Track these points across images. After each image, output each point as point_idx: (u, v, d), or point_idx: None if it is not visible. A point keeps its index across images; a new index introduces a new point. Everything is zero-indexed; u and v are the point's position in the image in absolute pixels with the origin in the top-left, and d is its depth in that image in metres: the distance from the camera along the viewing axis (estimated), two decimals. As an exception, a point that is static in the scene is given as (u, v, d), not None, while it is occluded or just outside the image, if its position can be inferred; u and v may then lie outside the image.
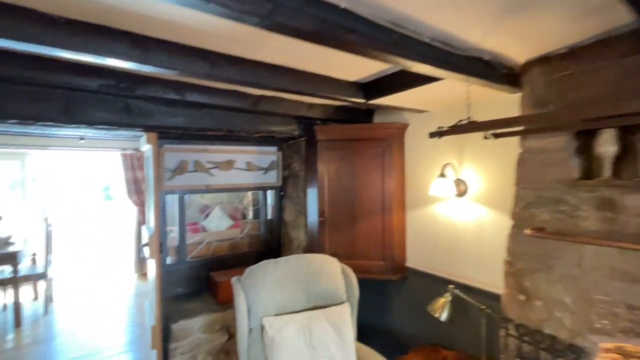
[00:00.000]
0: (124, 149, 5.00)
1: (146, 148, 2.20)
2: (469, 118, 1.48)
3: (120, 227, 6.33)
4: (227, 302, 2.47)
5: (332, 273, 2.11)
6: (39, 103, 1.73)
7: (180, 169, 2.61)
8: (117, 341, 3.17)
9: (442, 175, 2.03)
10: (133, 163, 5.07)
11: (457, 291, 1.91)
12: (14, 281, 3.52)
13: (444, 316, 1.86)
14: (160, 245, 2.09)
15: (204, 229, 3.30)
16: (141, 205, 5.20)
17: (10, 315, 3.56)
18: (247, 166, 2.98)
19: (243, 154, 2.95)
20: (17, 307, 3.51)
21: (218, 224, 4.59)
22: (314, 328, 1.88)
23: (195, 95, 1.98)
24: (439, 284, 2.21)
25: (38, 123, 1.76)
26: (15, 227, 5.00)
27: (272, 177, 3.13)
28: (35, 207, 4.95)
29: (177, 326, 2.20)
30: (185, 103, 2.13)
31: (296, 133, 2.68)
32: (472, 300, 1.86)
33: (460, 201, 2.11)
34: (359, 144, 2.54)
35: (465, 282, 2.03)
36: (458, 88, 1.69)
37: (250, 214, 3.41)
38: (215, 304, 2.49)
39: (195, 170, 2.69)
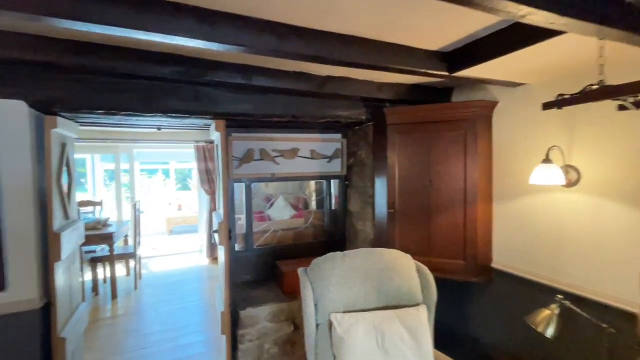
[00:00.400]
0: (197, 142, 5.35)
1: (215, 136, 2.22)
2: (601, 82, 1.12)
3: (196, 214, 6.83)
4: (292, 293, 2.42)
5: (406, 271, 1.90)
6: (120, 94, 1.82)
7: (247, 157, 2.62)
8: (192, 320, 3.39)
9: (547, 160, 1.65)
10: (205, 154, 5.40)
11: (567, 303, 1.55)
12: (110, 258, 4.00)
13: (549, 332, 1.52)
14: (229, 232, 2.10)
15: (269, 218, 3.32)
16: (212, 194, 5.53)
17: (108, 288, 4.07)
18: (311, 154, 2.88)
19: (307, 142, 2.86)
20: (113, 281, 4.00)
21: (281, 213, 4.63)
22: (386, 330, 1.70)
23: (262, 79, 1.91)
24: (535, 290, 1.85)
25: (121, 113, 1.86)
26: (111, 211, 5.75)
27: (336, 166, 2.99)
28: (126, 194, 5.59)
29: (245, 313, 2.21)
30: (252, 89, 2.08)
31: (363, 117, 2.49)
32: (589, 317, 1.49)
33: (569, 192, 1.71)
34: (436, 127, 2.25)
35: (575, 292, 1.65)
36: (580, 45, 1.32)
37: (314, 204, 3.32)
38: (281, 293, 2.46)
39: (261, 159, 2.68)
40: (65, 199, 1.96)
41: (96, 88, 1.77)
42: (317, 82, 2.06)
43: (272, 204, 3.43)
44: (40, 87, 1.67)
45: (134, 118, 2.02)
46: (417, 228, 2.32)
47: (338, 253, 1.91)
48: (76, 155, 7.50)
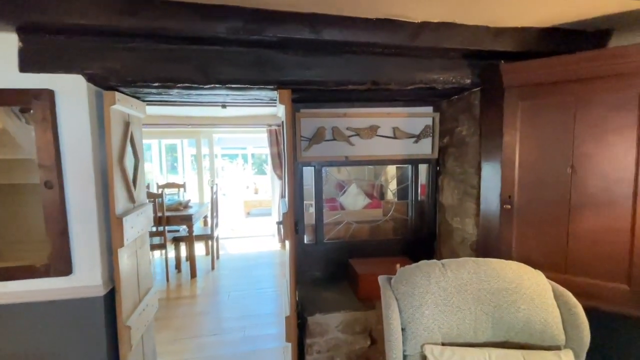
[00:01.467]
0: (270, 125, 5.26)
1: (280, 111, 1.88)
2: None
3: (271, 198, 6.89)
4: (368, 299, 2.01)
5: (539, 295, 1.31)
6: (175, 63, 1.58)
7: (317, 137, 2.25)
8: (262, 310, 3.27)
9: None
10: (277, 138, 5.29)
11: None
12: (190, 239, 4.15)
13: None
14: (296, 224, 1.76)
15: (341, 207, 2.94)
16: (283, 178, 5.43)
17: (187, 267, 4.26)
18: (394, 133, 2.36)
19: (389, 118, 2.35)
20: (192, 260, 4.15)
21: (354, 202, 4.21)
22: (510, 382, 1.17)
23: (335, 32, 1.48)
24: None
25: (177, 85, 1.64)
26: (193, 194, 6.11)
27: (426, 147, 2.42)
28: (205, 178, 5.84)
29: (314, 320, 1.88)
30: (322, 49, 1.66)
31: (467, 81, 1.87)
32: None
33: None
34: (587, 87, 1.53)
35: None
36: None
37: (394, 194, 2.81)
38: (355, 299, 2.07)
39: (334, 139, 2.28)
40: (130, 181, 1.85)
41: (150, 58, 1.57)
42: (409, 32, 1.54)
43: (344, 192, 3.04)
44: (95, 59, 1.53)
45: (194, 92, 1.79)
46: (547, 232, 1.65)
47: (435, 262, 1.41)
48: (167, 141, 8.15)
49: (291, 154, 1.75)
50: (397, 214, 2.62)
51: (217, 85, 1.67)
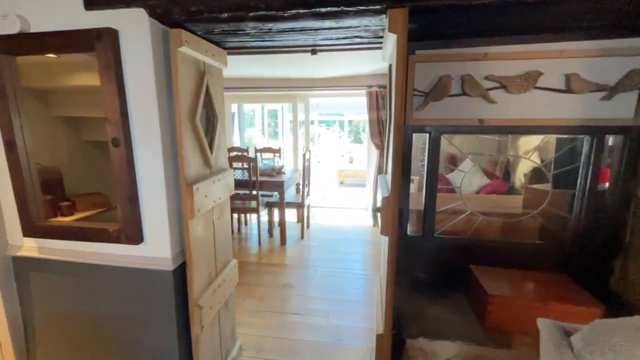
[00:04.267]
0: (370, 87, 4.63)
1: (389, 46, 1.27)
2: None
3: (366, 169, 6.43)
4: (500, 331, 1.37)
5: None
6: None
7: (437, 90, 1.58)
8: (349, 295, 2.92)
9: None
10: (378, 102, 4.65)
11: None
12: (281, 206, 4.04)
13: None
14: (400, 215, 1.22)
15: (448, 187, 2.25)
16: (383, 148, 4.83)
17: (278, 234, 4.21)
18: (568, 83, 1.50)
19: (560, 60, 1.48)
20: (282, 228, 4.07)
21: (469, 181, 3.37)
22: None
23: None
24: None
25: (250, 15, 1.22)
26: (288, 160, 6.07)
27: (623, 107, 1.48)
28: (300, 144, 5.67)
29: (415, 344, 1.37)
30: None
31: None
32: None
33: None
34: None
35: None
36: None
37: (524, 179, 1.94)
38: (478, 326, 1.45)
39: (463, 93, 1.57)
40: (205, 143, 1.58)
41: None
42: None
43: (453, 168, 2.33)
44: (155, -15, 1.22)
45: (273, 26, 1.35)
46: None
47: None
48: (269, 106, 8.34)
49: (401, 112, 1.17)
50: (551, 206, 1.78)
51: (300, 11, 1.18)
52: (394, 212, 1.22)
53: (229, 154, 4.76)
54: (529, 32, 1.47)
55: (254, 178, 3.85)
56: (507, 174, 3.75)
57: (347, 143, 9.35)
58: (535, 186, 1.97)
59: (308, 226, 4.75)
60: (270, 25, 1.32)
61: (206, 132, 1.69)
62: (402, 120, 1.18)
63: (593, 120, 1.50)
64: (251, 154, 5.40)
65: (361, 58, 3.30)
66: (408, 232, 1.81)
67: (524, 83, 1.49)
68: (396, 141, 1.20)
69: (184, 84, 1.40)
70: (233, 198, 4.02)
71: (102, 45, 1.28)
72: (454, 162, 4.11)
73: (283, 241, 4.10)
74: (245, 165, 3.85)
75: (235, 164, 3.94)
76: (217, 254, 1.81)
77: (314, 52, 1.73)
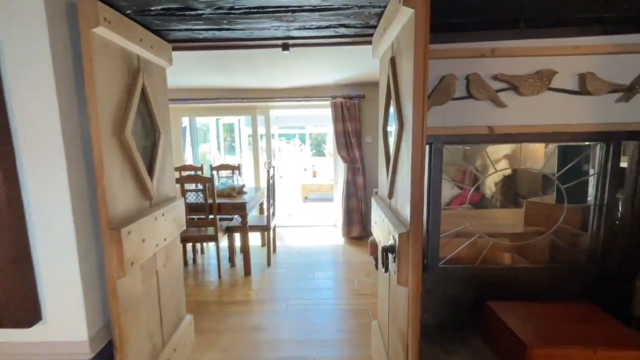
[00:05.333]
0: (334, 97, 4.41)
1: (394, 29, 0.95)
2: None
3: (331, 182, 6.17)
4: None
5: None
6: None
7: (439, 92, 1.31)
8: (328, 329, 2.52)
9: None
10: (343, 113, 4.43)
11: None
12: (243, 230, 3.55)
13: None
14: (424, 257, 0.89)
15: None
16: (351, 161, 4.61)
17: (241, 262, 3.70)
18: (582, 83, 1.31)
19: (573, 57, 1.30)
20: (245, 255, 3.57)
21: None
22: None
23: None
24: None
25: (181, 12, 0.84)
26: (249, 177, 5.58)
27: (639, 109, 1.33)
28: (261, 160, 5.24)
29: None
30: None
31: None
32: None
33: None
34: None
35: None
36: None
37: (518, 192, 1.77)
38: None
39: (468, 96, 1.32)
40: (140, 166, 1.13)
41: None
42: None
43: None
44: None
45: (236, 6, 0.97)
46: None
47: None
48: (225, 119, 7.74)
49: (420, 120, 0.85)
50: (566, 223, 1.57)
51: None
52: (417, 254, 0.88)
53: (180, 174, 4.18)
54: (545, 25, 1.26)
55: (210, 200, 3.34)
56: (475, 179, 3.67)
57: (309, 157, 9.06)
58: (535, 199, 1.79)
59: (274, 250, 4.29)
60: (237, 1, 0.94)
61: (144, 151, 1.24)
62: (423, 131, 0.86)
63: (609, 124, 1.33)
64: (206, 173, 4.83)
65: (325, 65, 3.03)
66: (409, 264, 1.50)
67: (536, 83, 1.29)
68: (415, 159, 0.87)
69: (105, 84, 0.96)
70: (187, 224, 3.46)
71: (-44, 18, 0.80)
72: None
73: (247, 271, 3.59)
74: (200, 187, 3.34)
75: (187, 186, 3.40)
76: (163, 315, 1.33)
77: (285, 47, 1.38)
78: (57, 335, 0.96)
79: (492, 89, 1.30)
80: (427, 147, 1.41)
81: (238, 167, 4.54)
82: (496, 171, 1.71)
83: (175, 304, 1.43)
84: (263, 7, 1.01)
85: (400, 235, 0.88)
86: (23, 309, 0.92)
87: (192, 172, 4.41)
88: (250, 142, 7.69)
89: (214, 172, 4.54)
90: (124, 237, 0.99)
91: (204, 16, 1.06)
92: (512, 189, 2.52)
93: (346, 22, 1.16)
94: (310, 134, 9.42)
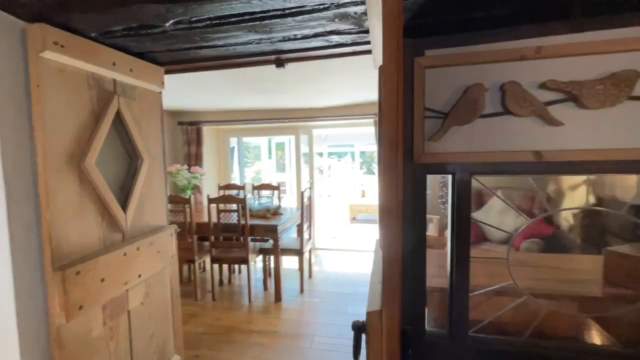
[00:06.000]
0: (376, 115, 4.15)
1: (377, 30, 0.71)
2: None
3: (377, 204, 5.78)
4: None
5: None
6: None
7: (462, 108, 1.00)
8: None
9: None
10: (387, 130, 4.12)
11: None
12: (275, 253, 3.42)
13: None
14: (405, 336, 0.60)
15: (483, 236, 1.63)
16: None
17: (273, 287, 3.55)
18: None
19: (668, 51, 0.89)
20: (276, 280, 3.41)
21: (498, 223, 2.68)
22: None
23: None
24: None
25: (144, 31, 0.72)
26: (292, 197, 5.52)
27: None
28: (304, 179, 5.14)
29: None
30: None
31: None
32: None
33: None
34: None
35: None
36: None
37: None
38: None
39: (504, 112, 0.98)
40: (108, 197, 1.05)
41: None
42: None
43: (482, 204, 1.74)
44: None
45: (189, 11, 0.84)
46: None
47: None
48: (277, 138, 7.92)
49: (394, 145, 0.59)
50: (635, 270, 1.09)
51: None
52: (392, 345, 0.60)
53: (223, 193, 4.27)
54: (611, 10, 0.90)
55: (242, 222, 3.30)
56: (547, 212, 3.02)
57: (359, 175, 8.78)
58: (620, 249, 1.30)
59: (310, 276, 4.07)
60: (187, 12, 0.81)
61: (119, 181, 1.16)
62: (397, 155, 0.59)
63: None
64: (248, 192, 4.90)
65: (362, 82, 2.82)
66: (427, 327, 1.16)
67: (609, 91, 0.90)
68: (388, 195, 0.60)
69: (60, 110, 0.90)
70: (217, 246, 3.46)
71: None
72: (478, 198, 3.42)
73: (278, 297, 3.43)
74: (234, 207, 3.32)
75: (222, 206, 3.42)
76: (136, 359, 1.20)
77: (279, 63, 1.23)
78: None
79: (538, 101, 0.95)
80: (450, 178, 1.09)
81: (278, 188, 4.49)
82: (559, 209, 1.29)
83: (157, 345, 1.31)
84: (225, 17, 0.86)
85: (368, 314, 0.61)
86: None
87: (235, 192, 4.50)
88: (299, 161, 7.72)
89: (256, 192, 4.57)
90: (69, 277, 0.89)
91: (168, 33, 0.95)
92: (590, 227, 2.00)
93: (334, 27, 0.95)
94: (361, 152, 9.17)
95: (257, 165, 9.30)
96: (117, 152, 1.15)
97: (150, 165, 1.26)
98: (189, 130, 4.85)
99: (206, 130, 4.98)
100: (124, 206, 1.14)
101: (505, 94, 0.97)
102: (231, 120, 4.83)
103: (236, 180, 5.61)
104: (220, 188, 4.56)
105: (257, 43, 1.07)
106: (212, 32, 0.95)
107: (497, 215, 2.61)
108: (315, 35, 1.01)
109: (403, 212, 1.10)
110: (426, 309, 1.35)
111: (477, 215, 3.12)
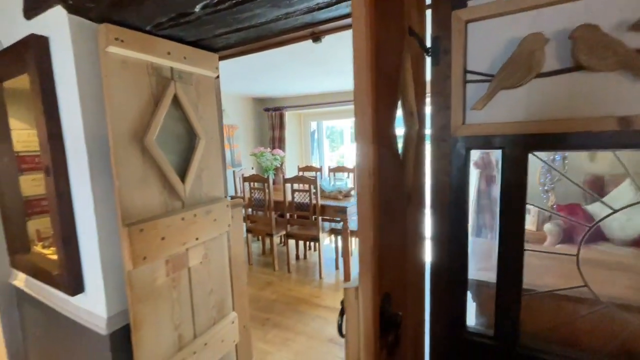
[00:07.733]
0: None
1: None
2: None
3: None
4: None
5: None
6: None
7: (514, 66, 0.81)
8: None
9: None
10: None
11: None
12: (344, 234, 3.47)
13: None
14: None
15: (602, 235, 1.33)
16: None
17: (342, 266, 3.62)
18: None
19: None
20: (345, 261, 3.47)
21: (622, 223, 2.12)
22: None
23: None
24: None
25: (184, 20, 0.80)
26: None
27: None
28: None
29: None
30: None
31: None
32: None
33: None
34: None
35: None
36: None
37: None
38: None
39: (573, 68, 0.76)
40: (167, 169, 1.23)
41: None
42: None
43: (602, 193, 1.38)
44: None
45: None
46: None
47: None
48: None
49: (367, 113, 0.52)
50: None
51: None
52: (367, 326, 0.55)
53: (302, 174, 4.50)
54: None
55: (314, 202, 3.43)
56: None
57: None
58: None
59: (383, 259, 4.00)
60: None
61: (179, 156, 1.35)
62: (370, 128, 0.53)
63: None
64: (324, 174, 5.03)
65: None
66: (468, 327, 1.02)
67: None
68: (361, 169, 0.54)
69: (125, 95, 1.09)
70: (292, 223, 3.71)
71: (30, 56, 1.08)
72: (597, 186, 2.74)
73: (347, 277, 3.50)
74: (306, 187, 3.48)
75: (297, 186, 3.62)
76: (195, 309, 1.41)
77: (315, 37, 1.20)
78: (92, 306, 1.16)
79: (627, 48, 0.70)
80: (499, 153, 0.92)
81: (352, 170, 4.49)
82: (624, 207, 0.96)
83: (216, 301, 1.50)
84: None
85: (345, 290, 0.57)
86: (72, 280, 1.16)
87: (313, 173, 4.69)
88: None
89: (332, 174, 4.67)
90: (134, 233, 1.09)
91: (202, 19, 1.04)
92: None
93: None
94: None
95: (341, 149, 9.45)
96: (177, 131, 1.32)
97: (207, 143, 1.42)
98: (273, 116, 5.22)
99: (288, 115, 5.28)
100: (183, 178, 1.32)
101: (576, 43, 0.75)
102: (310, 105, 4.99)
103: (316, 163, 5.83)
104: (299, 169, 4.81)
105: (285, 18, 1.07)
106: (237, 12, 0.99)
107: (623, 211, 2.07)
108: (339, 1, 0.95)
109: (438, 196, 0.98)
110: (475, 305, 1.21)
111: (592, 208, 2.54)
